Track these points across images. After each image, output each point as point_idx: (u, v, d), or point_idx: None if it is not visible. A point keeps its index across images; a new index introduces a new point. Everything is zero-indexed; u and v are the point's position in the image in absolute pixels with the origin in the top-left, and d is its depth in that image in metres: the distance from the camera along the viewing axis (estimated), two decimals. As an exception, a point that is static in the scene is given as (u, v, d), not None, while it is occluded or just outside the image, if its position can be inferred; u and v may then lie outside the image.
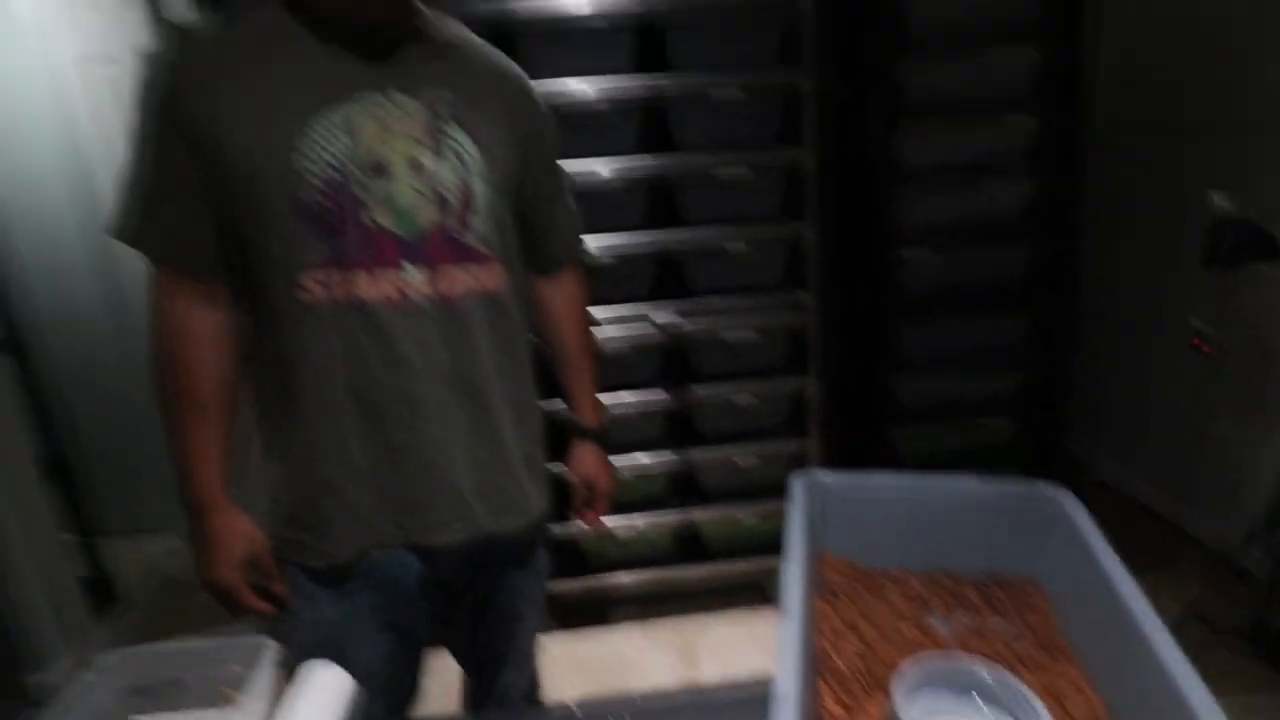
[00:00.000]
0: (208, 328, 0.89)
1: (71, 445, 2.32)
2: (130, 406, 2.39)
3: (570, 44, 1.69)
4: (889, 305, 1.92)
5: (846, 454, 2.21)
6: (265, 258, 0.83)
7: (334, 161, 0.80)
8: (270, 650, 0.91)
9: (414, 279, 0.84)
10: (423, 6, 0.90)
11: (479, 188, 0.87)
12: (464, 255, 0.87)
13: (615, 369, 1.90)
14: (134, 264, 0.91)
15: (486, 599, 1.04)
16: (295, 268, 0.82)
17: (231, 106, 0.80)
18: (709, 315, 1.87)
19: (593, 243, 1.79)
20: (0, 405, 1.83)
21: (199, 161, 0.81)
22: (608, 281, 1.84)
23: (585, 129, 1.73)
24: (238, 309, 0.91)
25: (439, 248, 0.85)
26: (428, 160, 0.84)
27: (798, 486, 0.80)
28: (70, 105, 2.12)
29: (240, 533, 0.91)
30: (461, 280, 0.88)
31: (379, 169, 0.82)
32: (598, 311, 1.84)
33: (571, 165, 1.71)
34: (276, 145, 0.80)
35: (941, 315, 1.96)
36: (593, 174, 1.74)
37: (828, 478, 0.83)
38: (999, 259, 1.99)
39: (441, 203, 0.85)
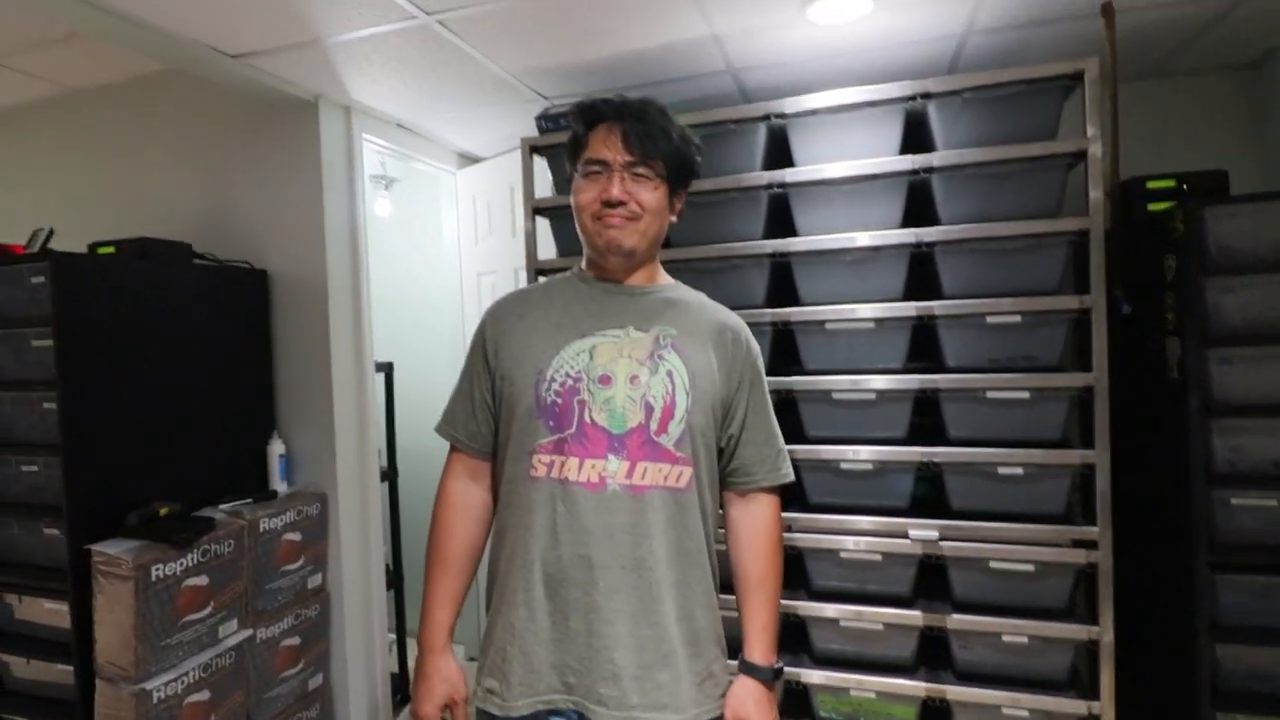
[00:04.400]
0: (470, 501, 1.18)
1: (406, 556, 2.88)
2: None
3: (846, 269, 1.87)
4: (1200, 552, 1.63)
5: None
6: (512, 439, 1.11)
7: (573, 373, 1.08)
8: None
9: (613, 468, 1.05)
10: (664, 273, 1.23)
11: (681, 400, 1.08)
12: (657, 454, 1.06)
13: (865, 577, 1.87)
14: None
15: None
16: (529, 449, 1.08)
17: (510, 334, 1.15)
18: (976, 540, 1.77)
19: (855, 451, 1.85)
20: (374, 523, 2.40)
21: (489, 373, 1.16)
22: (867, 491, 1.87)
23: (858, 345, 1.87)
24: (495, 490, 1.18)
25: (638, 446, 1.06)
26: (643, 375, 1.08)
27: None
28: (466, 302, 2.87)
29: (445, 677, 1.13)
30: (652, 474, 1.06)
31: (605, 380, 1.07)
32: (856, 520, 1.86)
33: (843, 379, 1.85)
34: (535, 361, 1.10)
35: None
36: (863, 386, 1.84)
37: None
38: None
39: (648, 409, 1.06)
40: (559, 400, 1.07)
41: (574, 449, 1.06)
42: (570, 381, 1.07)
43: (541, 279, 2.11)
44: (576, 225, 1.16)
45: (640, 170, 1.10)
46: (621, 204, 1.09)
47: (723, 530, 1.21)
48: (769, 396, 1.22)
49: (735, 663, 1.16)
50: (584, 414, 1.06)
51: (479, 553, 1.19)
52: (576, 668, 1.04)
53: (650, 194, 1.11)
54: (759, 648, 1.15)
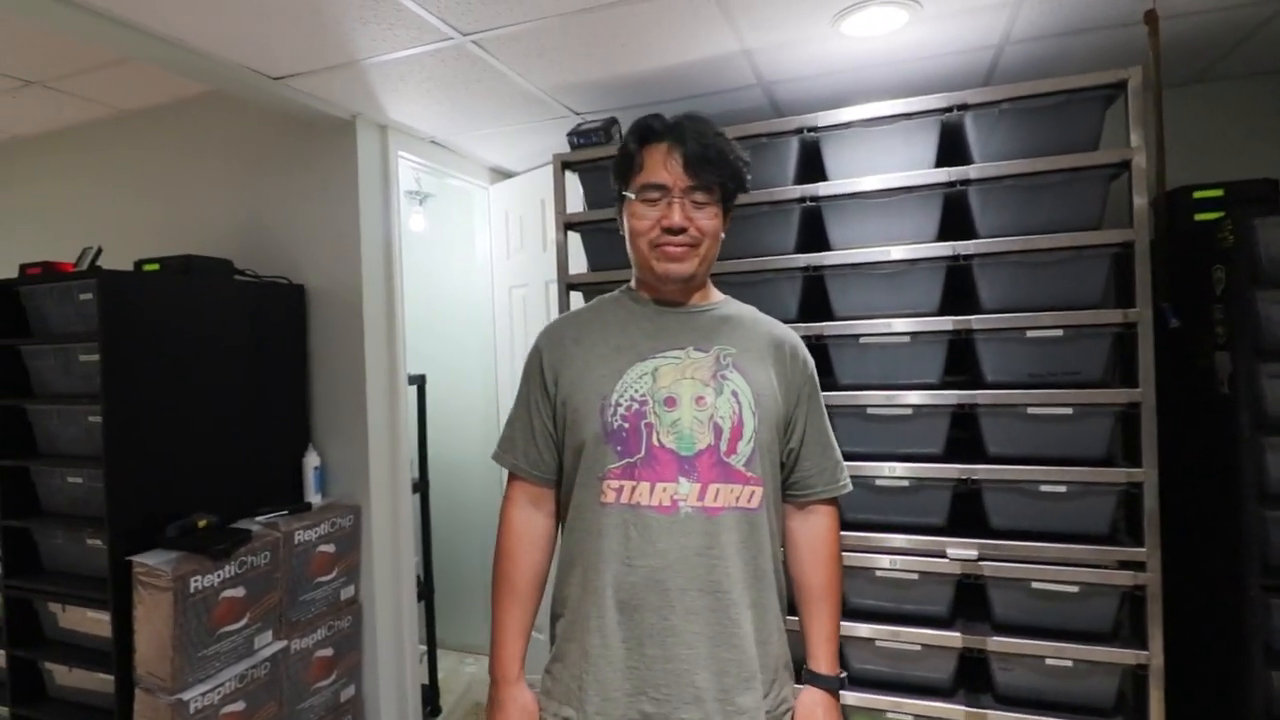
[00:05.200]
0: (534, 528, 1.16)
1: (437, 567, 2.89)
2: (483, 539, 2.92)
3: (880, 281, 1.85)
4: (1253, 574, 1.56)
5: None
6: (581, 467, 1.09)
7: (638, 397, 1.06)
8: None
9: (685, 491, 1.03)
10: (715, 289, 1.21)
11: (748, 419, 1.06)
12: (728, 475, 1.05)
13: (902, 595, 1.83)
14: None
15: None
16: (599, 475, 1.06)
17: (569, 360, 1.12)
18: (1017, 559, 1.72)
19: (891, 468, 1.82)
20: (406, 534, 2.41)
21: (548, 400, 1.14)
22: (903, 507, 1.83)
23: (893, 359, 1.84)
24: (558, 516, 1.17)
25: (708, 468, 1.04)
26: (709, 396, 1.06)
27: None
28: (497, 315, 2.90)
29: (522, 707, 1.11)
30: (724, 496, 1.04)
31: (670, 402, 1.05)
32: (891, 538, 1.82)
33: (878, 394, 1.82)
34: (597, 386, 1.08)
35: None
36: (898, 401, 1.81)
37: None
38: None
39: (716, 430, 1.05)
40: (625, 425, 1.05)
41: (644, 473, 1.04)
42: (635, 405, 1.06)
43: (574, 294, 2.15)
44: (629, 249, 1.14)
45: (700, 196, 1.08)
46: (683, 230, 1.07)
47: (782, 548, 1.20)
48: (825, 408, 1.20)
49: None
50: (652, 437, 1.05)
51: (544, 580, 1.18)
52: (654, 695, 1.03)
53: (710, 220, 1.10)
54: (824, 658, 1.15)
